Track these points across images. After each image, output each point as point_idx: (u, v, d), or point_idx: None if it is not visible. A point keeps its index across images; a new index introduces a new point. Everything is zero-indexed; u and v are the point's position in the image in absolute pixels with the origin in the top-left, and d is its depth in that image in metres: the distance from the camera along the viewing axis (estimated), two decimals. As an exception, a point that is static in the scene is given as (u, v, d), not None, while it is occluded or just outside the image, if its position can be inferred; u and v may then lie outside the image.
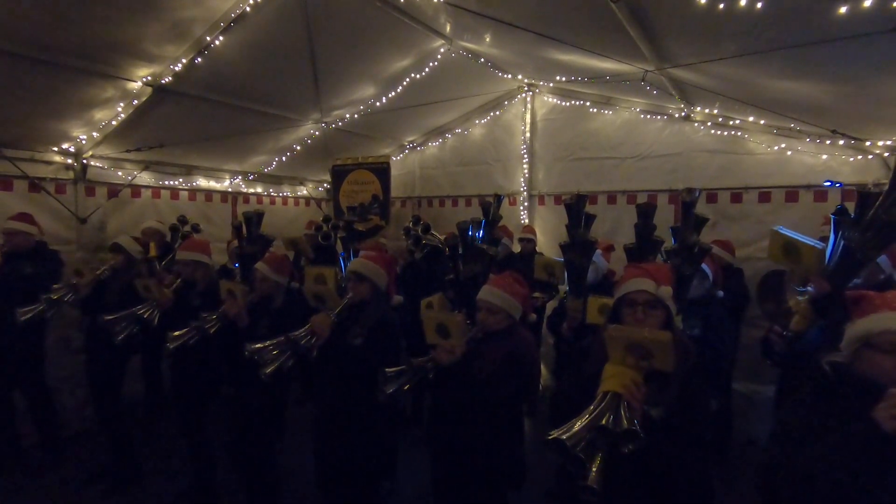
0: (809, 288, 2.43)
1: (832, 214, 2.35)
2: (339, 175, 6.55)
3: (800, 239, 2.48)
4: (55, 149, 4.42)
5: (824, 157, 4.38)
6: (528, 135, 5.93)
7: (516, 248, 5.17)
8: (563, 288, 3.91)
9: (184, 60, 3.71)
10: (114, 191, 4.90)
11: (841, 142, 4.16)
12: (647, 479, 1.58)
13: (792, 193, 4.57)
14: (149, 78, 3.85)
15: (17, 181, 4.28)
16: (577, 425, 1.42)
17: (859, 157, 4.23)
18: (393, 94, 5.11)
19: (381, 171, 6.39)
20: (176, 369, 3.45)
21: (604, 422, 1.40)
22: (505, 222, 4.81)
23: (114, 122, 4.21)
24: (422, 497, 3.32)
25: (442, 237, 4.54)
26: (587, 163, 5.61)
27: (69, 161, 4.53)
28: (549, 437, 1.41)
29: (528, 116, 5.92)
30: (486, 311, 2.33)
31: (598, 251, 3.46)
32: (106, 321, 3.11)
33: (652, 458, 1.51)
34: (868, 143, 4.09)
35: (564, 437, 1.38)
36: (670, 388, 1.59)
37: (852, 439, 1.32)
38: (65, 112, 4.02)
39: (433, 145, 6.73)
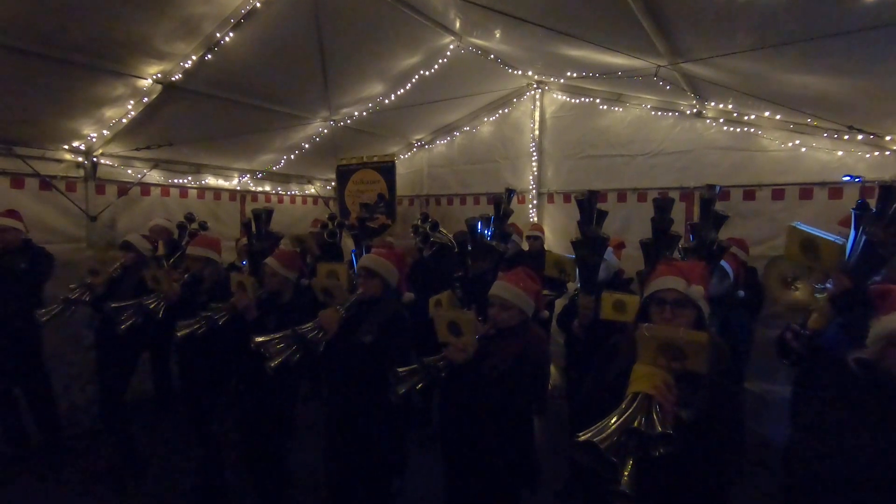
0: (828, 285, 2.37)
1: (853, 209, 2.30)
2: (343, 175, 6.55)
3: (819, 234, 2.42)
4: (66, 147, 4.46)
5: (840, 153, 4.30)
6: (537, 132, 5.89)
7: (524, 245, 5.14)
8: (573, 285, 3.87)
9: (193, 57, 3.72)
10: (123, 189, 4.92)
11: (859, 137, 4.08)
12: (670, 479, 1.54)
13: (806, 191, 4.49)
14: (159, 75, 3.86)
15: (29, 179, 4.31)
16: (608, 428, 1.36)
17: (876, 153, 4.15)
18: (401, 91, 5.09)
19: (387, 170, 6.38)
20: (184, 364, 3.45)
21: (636, 424, 1.35)
22: (514, 220, 4.77)
23: (124, 120, 4.23)
24: (431, 495, 3.29)
25: (450, 235, 4.52)
26: (597, 160, 5.56)
27: (79, 159, 4.56)
28: (580, 439, 1.35)
29: (537, 114, 5.88)
30: (498, 306, 2.29)
31: (609, 248, 3.42)
32: (112, 308, 3.11)
33: (679, 460, 1.46)
34: (888, 138, 4.01)
35: (597, 439, 1.33)
36: (700, 389, 1.53)
37: (886, 440, 1.28)
38: (75, 110, 4.05)
39: (441, 143, 6.71)
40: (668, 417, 1.39)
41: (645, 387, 1.44)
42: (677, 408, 1.45)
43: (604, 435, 1.35)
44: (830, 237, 2.40)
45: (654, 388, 1.43)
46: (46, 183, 4.37)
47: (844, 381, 1.85)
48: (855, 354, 1.63)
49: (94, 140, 4.45)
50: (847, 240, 2.32)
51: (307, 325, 2.43)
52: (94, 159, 4.60)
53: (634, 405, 1.41)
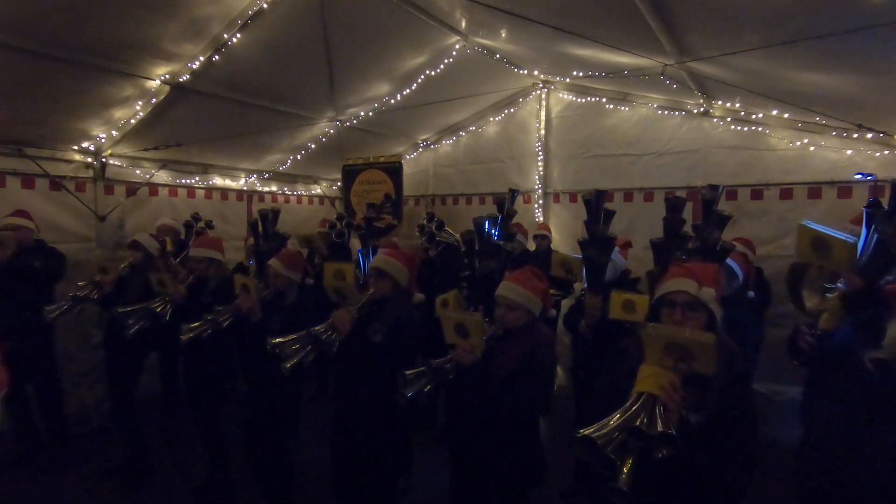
0: (839, 284, 2.35)
1: (865, 207, 2.27)
2: (349, 175, 6.56)
3: (830, 233, 2.39)
4: (75, 147, 4.48)
5: (849, 152, 4.27)
6: (542, 132, 5.88)
7: (531, 245, 5.13)
8: (579, 286, 3.86)
9: (201, 58, 3.73)
10: (132, 189, 4.95)
11: (869, 135, 4.05)
12: (678, 484, 1.53)
13: (815, 190, 4.46)
14: (167, 76, 3.88)
15: (39, 179, 4.34)
16: (609, 425, 1.36)
17: (886, 151, 4.11)
18: (407, 91, 5.10)
19: (394, 170, 6.38)
20: (188, 364, 3.48)
21: (637, 423, 1.34)
22: (520, 220, 4.77)
23: (132, 121, 4.25)
24: (436, 496, 3.30)
25: (457, 235, 4.52)
26: (603, 160, 5.55)
27: (89, 160, 4.59)
28: (579, 435, 1.36)
29: (542, 114, 5.87)
30: (504, 307, 2.28)
31: (616, 248, 3.40)
32: (119, 313, 3.14)
33: (687, 465, 1.45)
34: (897, 137, 3.98)
35: (595, 435, 1.33)
36: (710, 393, 1.52)
37: None
38: (85, 111, 4.07)
39: (447, 143, 6.71)
40: (671, 418, 1.38)
41: (649, 387, 1.43)
42: (683, 409, 1.44)
43: (603, 432, 1.35)
44: (842, 236, 2.37)
45: (659, 388, 1.41)
46: (56, 183, 4.41)
47: (858, 381, 1.84)
48: (871, 354, 1.62)
49: (102, 141, 4.48)
50: (859, 238, 2.30)
51: (321, 326, 2.45)
52: (103, 160, 4.63)
53: (638, 405, 1.40)
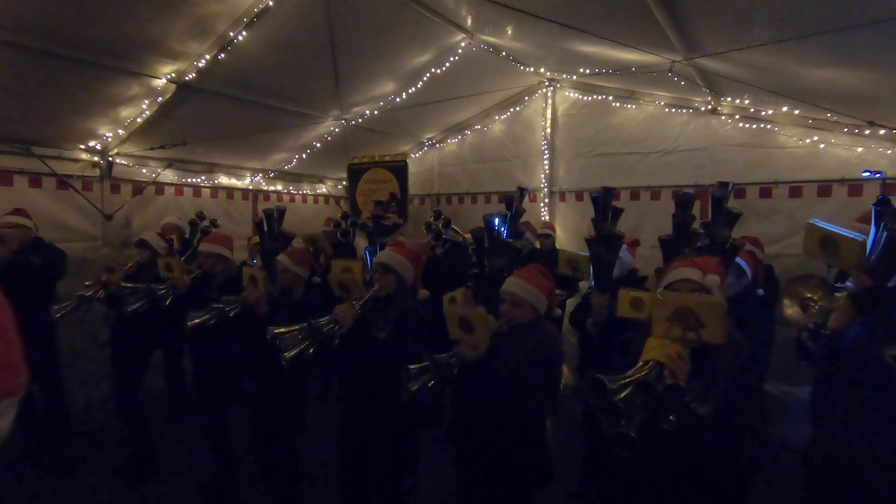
0: (848, 283, 2.32)
1: (874, 205, 2.24)
2: (355, 174, 6.57)
3: (838, 231, 2.36)
4: (82, 147, 4.51)
5: (860, 149, 4.21)
6: (548, 130, 5.85)
7: (536, 244, 5.11)
8: (585, 284, 3.83)
9: (207, 57, 3.75)
10: (138, 188, 4.98)
11: (881, 132, 3.99)
12: (687, 473, 1.52)
13: (825, 188, 4.41)
14: (173, 75, 3.89)
15: (46, 178, 4.37)
16: (619, 379, 1.38)
17: (898, 149, 4.06)
18: (413, 90, 5.09)
19: (399, 169, 6.39)
20: (196, 362, 3.48)
21: (644, 374, 1.37)
22: (526, 219, 4.75)
23: (139, 120, 4.28)
24: (442, 495, 3.28)
25: (466, 234, 4.51)
26: (609, 158, 5.52)
27: (95, 159, 4.62)
28: (590, 378, 1.37)
29: (548, 112, 5.84)
30: (510, 303, 2.27)
31: (624, 246, 3.37)
32: (123, 289, 3.15)
33: (697, 456, 1.44)
34: (909, 134, 3.92)
35: (606, 378, 1.35)
36: (718, 384, 1.52)
37: None
38: (91, 110, 4.10)
39: (452, 142, 6.70)
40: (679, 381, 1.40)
41: (657, 355, 1.44)
42: (692, 402, 1.44)
43: (612, 378, 1.37)
44: (850, 234, 2.34)
45: (666, 356, 1.44)
46: (63, 182, 4.44)
47: (874, 379, 1.82)
48: (894, 352, 1.62)
49: (109, 140, 4.51)
50: (867, 237, 2.26)
51: (323, 319, 2.44)
52: (110, 159, 4.66)
53: (646, 370, 1.42)
